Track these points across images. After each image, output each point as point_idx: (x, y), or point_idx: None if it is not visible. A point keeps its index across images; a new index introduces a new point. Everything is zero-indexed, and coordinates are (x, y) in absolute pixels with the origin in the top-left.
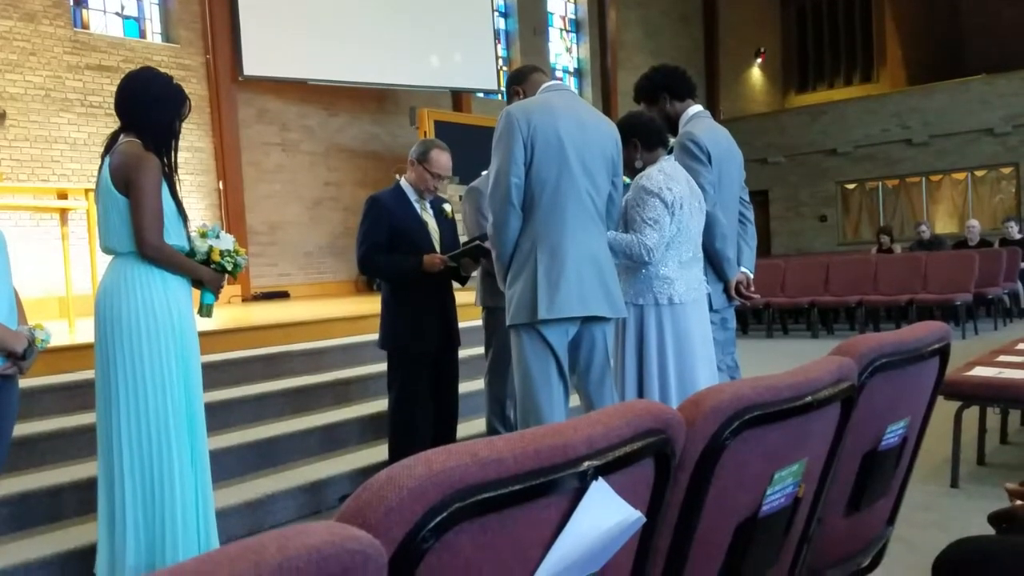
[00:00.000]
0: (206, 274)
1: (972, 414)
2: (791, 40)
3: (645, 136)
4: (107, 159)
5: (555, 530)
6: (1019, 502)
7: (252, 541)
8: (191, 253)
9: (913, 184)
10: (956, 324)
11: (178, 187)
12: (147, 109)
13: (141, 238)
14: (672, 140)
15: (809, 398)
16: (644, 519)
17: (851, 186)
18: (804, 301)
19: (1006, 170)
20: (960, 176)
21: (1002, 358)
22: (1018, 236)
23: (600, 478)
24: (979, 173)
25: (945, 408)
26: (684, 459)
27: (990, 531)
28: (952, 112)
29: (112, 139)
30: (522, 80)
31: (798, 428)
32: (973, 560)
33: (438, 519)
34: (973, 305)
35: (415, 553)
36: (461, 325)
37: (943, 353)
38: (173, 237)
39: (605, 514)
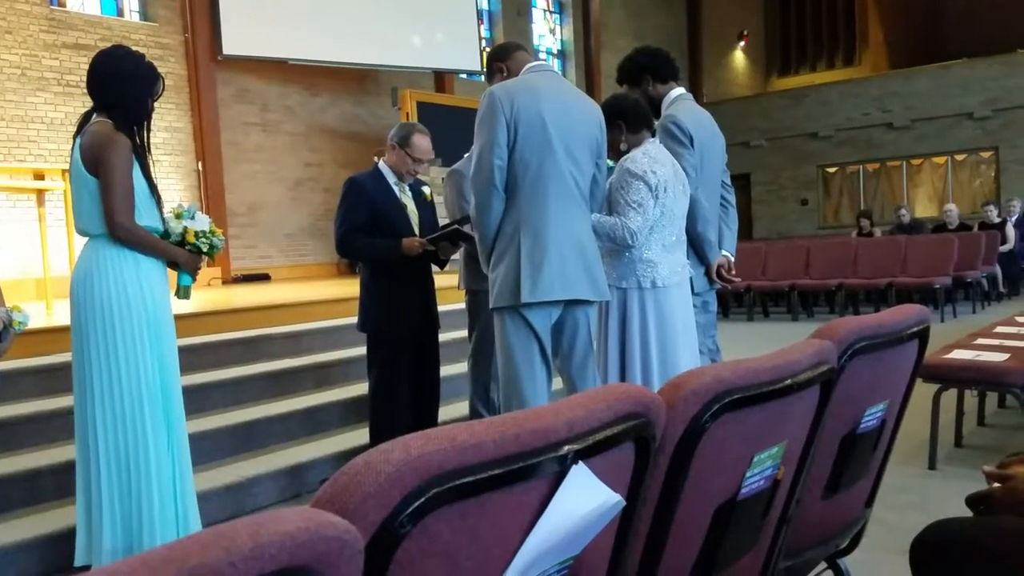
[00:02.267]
0: (181, 256)
1: (950, 396)
2: (774, 23)
3: (630, 118)
4: (78, 139)
5: (535, 514)
6: (996, 484)
7: (225, 527)
8: (166, 234)
9: (894, 168)
10: (935, 307)
11: (152, 167)
12: (119, 87)
13: (111, 219)
14: (655, 123)
15: (789, 381)
16: (624, 503)
17: (832, 170)
18: (785, 284)
19: (986, 154)
20: (940, 160)
21: (980, 341)
22: (997, 220)
23: (580, 462)
24: (959, 157)
25: (923, 390)
26: (664, 442)
27: (967, 513)
28: (933, 96)
29: (84, 119)
30: (505, 57)
31: (778, 411)
32: (950, 541)
33: (416, 504)
34: (952, 288)
35: (392, 539)
36: (445, 308)
37: (922, 336)
38: (146, 218)
39: (585, 498)
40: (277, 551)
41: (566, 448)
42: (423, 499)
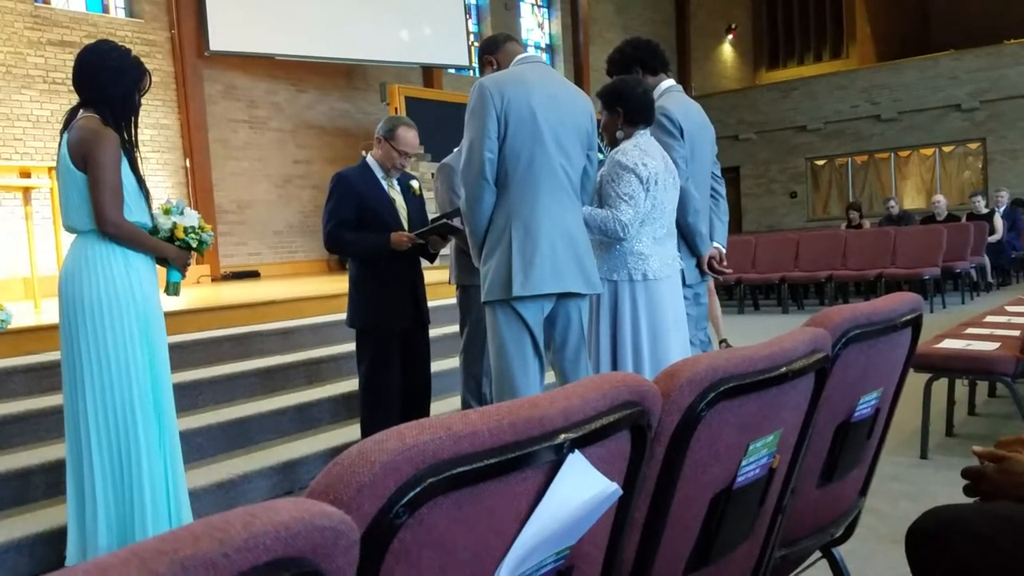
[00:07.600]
0: (170, 251)
1: (941, 386)
2: (762, 16)
3: (632, 109)
4: (65, 135)
5: (531, 504)
6: (988, 463)
7: (217, 518)
8: (154, 230)
9: (882, 160)
10: (924, 298)
11: (140, 162)
12: (105, 82)
13: (100, 215)
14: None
15: (784, 369)
16: (620, 491)
17: (821, 162)
18: (775, 277)
19: (973, 145)
20: (928, 152)
21: (970, 330)
22: (985, 211)
23: (576, 451)
24: (947, 149)
25: (914, 380)
26: (660, 431)
27: (959, 500)
28: (920, 88)
29: (71, 115)
30: (495, 49)
31: (773, 399)
32: (946, 528)
33: (411, 494)
34: (941, 279)
35: (388, 529)
36: (436, 303)
37: (915, 324)
38: (135, 214)
39: (582, 487)
40: (272, 542)
41: (562, 437)
42: (418, 489)
